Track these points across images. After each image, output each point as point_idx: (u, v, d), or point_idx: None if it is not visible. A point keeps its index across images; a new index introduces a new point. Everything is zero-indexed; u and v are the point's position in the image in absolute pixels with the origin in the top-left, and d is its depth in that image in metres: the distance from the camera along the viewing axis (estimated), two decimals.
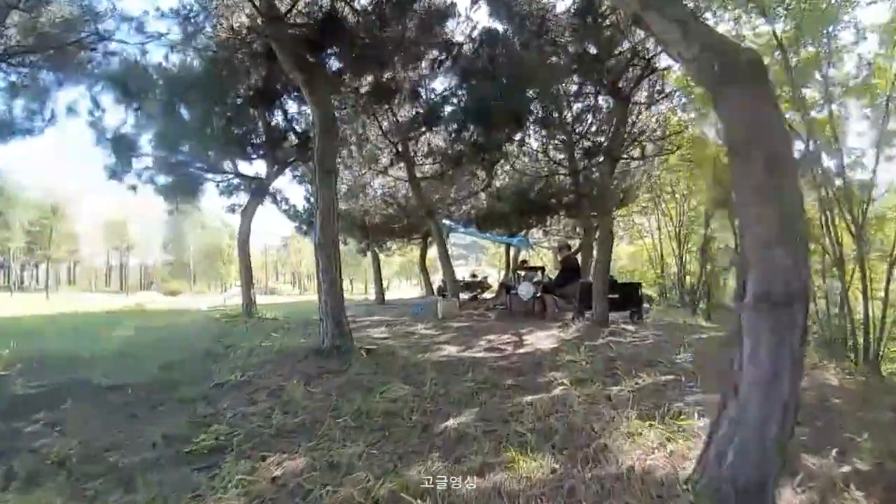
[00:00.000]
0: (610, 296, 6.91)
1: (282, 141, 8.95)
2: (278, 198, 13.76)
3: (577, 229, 16.58)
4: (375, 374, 4.21)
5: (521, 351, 5.34)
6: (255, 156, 9.24)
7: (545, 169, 12.42)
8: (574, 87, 8.16)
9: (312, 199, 5.20)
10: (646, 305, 8.53)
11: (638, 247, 24.93)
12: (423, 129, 9.10)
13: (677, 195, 20.99)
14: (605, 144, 7.77)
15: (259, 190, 9.35)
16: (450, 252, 11.38)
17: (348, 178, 11.89)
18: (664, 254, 22.80)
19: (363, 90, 7.76)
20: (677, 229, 21.64)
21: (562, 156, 11.82)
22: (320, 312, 5.01)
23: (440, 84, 8.50)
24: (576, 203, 12.76)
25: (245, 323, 8.25)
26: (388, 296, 28.97)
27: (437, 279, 15.23)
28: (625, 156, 8.03)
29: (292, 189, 31.30)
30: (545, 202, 13.70)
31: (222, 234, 53.29)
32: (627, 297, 7.77)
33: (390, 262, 49.83)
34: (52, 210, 34.17)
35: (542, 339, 6.12)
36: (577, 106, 8.77)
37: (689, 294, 21.02)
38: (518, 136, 11.42)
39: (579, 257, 10.63)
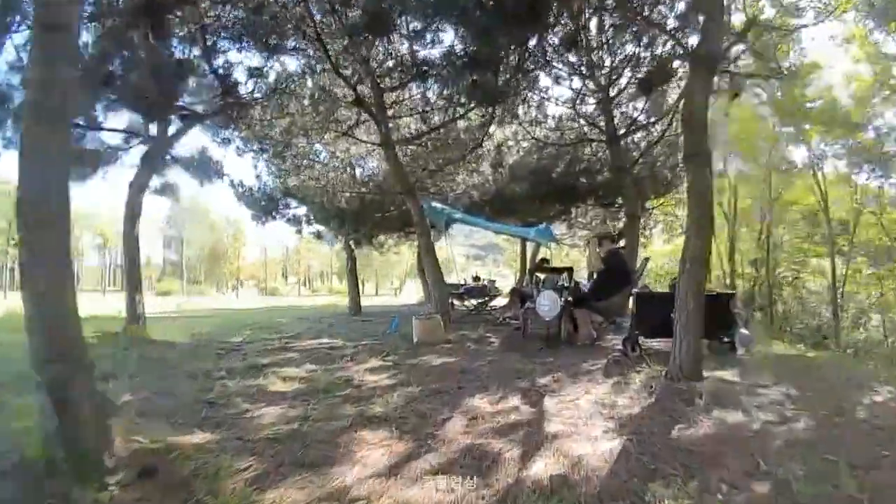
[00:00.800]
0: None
1: (179, 81, 5.95)
2: (234, 181, 11.07)
3: (608, 221, 13.28)
4: None
5: (539, 469, 2.18)
6: (142, 105, 6.16)
7: (573, 135, 9.19)
8: None
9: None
10: (744, 331, 5.18)
11: (676, 246, 21.49)
12: (378, 42, 5.84)
13: (728, 181, 17.60)
14: (696, 47, 4.42)
15: (151, 156, 6.36)
16: (466, 252, 8.26)
17: (302, 146, 8.83)
18: (710, 254, 19.38)
19: None
20: (730, 224, 18.22)
21: (586, 128, 8.66)
22: (34, 368, 1.94)
23: None
24: (614, 184, 9.55)
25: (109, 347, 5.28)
26: (390, 300, 26.10)
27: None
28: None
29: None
30: (573, 183, 10.50)
31: (226, 233, 51.37)
32: (712, 316, 4.52)
33: (402, 262, 46.93)
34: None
35: (581, 413, 2.94)
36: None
37: (744, 304, 17.50)
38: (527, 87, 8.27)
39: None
